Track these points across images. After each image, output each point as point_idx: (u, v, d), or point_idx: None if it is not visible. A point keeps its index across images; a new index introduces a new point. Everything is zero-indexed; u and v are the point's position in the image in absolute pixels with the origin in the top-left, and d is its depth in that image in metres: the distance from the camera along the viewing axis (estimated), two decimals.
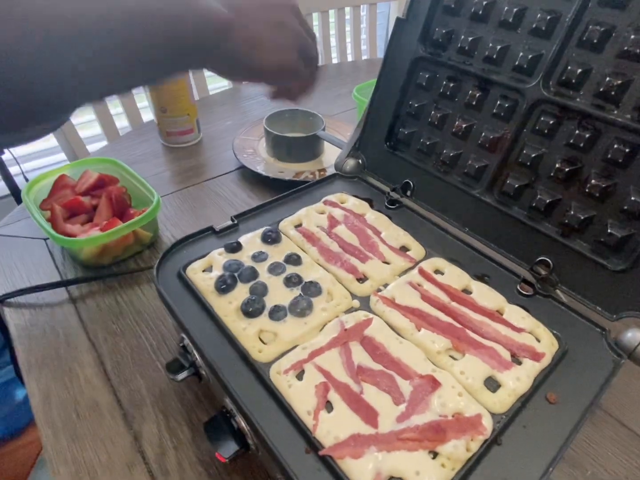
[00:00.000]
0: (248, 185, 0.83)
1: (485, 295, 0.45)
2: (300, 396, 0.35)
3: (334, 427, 0.33)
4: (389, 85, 0.59)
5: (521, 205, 0.49)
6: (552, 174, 0.46)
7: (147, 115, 1.13)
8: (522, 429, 0.35)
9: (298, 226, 0.53)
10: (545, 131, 0.45)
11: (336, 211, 0.55)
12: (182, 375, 0.43)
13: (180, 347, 0.45)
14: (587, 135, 0.43)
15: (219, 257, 0.47)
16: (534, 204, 0.48)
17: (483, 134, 0.51)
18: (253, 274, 0.44)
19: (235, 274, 0.44)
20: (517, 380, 0.37)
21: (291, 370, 0.37)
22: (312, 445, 0.33)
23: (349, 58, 1.65)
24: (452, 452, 0.32)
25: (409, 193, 0.59)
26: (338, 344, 0.39)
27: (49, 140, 1.41)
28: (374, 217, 0.55)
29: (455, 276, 0.47)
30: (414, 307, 0.43)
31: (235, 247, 0.48)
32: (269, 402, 0.36)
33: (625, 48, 0.39)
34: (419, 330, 0.41)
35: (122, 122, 1.30)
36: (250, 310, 0.41)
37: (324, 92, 1.23)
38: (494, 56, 0.48)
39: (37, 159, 1.69)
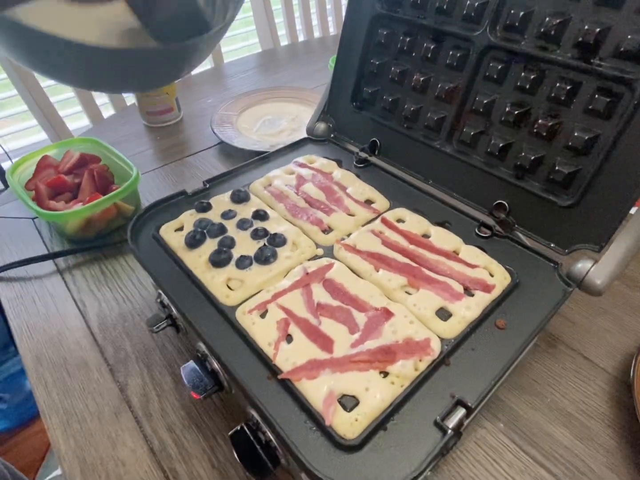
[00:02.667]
0: (228, 159, 0.85)
1: (443, 238, 0.47)
2: (263, 331, 0.38)
3: (292, 355, 0.36)
4: (351, 46, 0.60)
5: (478, 152, 0.51)
6: (503, 119, 0.48)
7: (131, 100, 1.15)
8: (471, 352, 0.38)
9: (268, 187, 0.56)
10: (495, 77, 0.47)
11: (304, 171, 0.57)
12: (160, 327, 0.46)
13: (158, 303, 0.48)
14: (533, 77, 0.44)
15: (190, 217, 0.50)
16: (489, 150, 0.50)
17: (439, 85, 0.52)
18: (221, 229, 0.47)
19: (205, 231, 0.47)
20: (467, 309, 0.40)
21: (255, 310, 0.39)
22: (273, 372, 0.35)
23: (331, 33, 1.65)
24: (401, 370, 0.34)
25: (376, 152, 0.61)
26: (300, 285, 0.41)
27: (31, 120, 1.40)
28: (340, 174, 0.57)
29: (415, 223, 0.49)
30: (374, 252, 0.45)
31: (206, 207, 0.50)
32: (236, 340, 0.39)
33: None
34: (378, 271, 0.43)
35: (109, 111, 1.31)
36: (218, 260, 0.43)
37: (305, 65, 1.24)
38: (445, 7, 0.49)
39: (21, 138, 1.68)
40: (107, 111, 1.30)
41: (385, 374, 0.35)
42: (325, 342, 0.36)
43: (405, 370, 0.34)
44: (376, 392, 0.33)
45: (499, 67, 0.46)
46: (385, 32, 0.56)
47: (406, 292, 0.42)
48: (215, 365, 0.39)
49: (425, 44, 0.52)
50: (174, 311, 0.45)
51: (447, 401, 0.34)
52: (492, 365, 0.37)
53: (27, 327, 0.56)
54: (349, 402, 0.33)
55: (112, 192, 0.65)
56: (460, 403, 0.34)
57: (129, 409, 0.47)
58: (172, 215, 0.52)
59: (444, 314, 0.40)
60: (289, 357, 0.35)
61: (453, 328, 0.38)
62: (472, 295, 0.41)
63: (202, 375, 0.41)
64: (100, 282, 0.61)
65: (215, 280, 0.42)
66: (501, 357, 0.37)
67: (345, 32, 0.60)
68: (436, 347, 0.36)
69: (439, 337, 0.38)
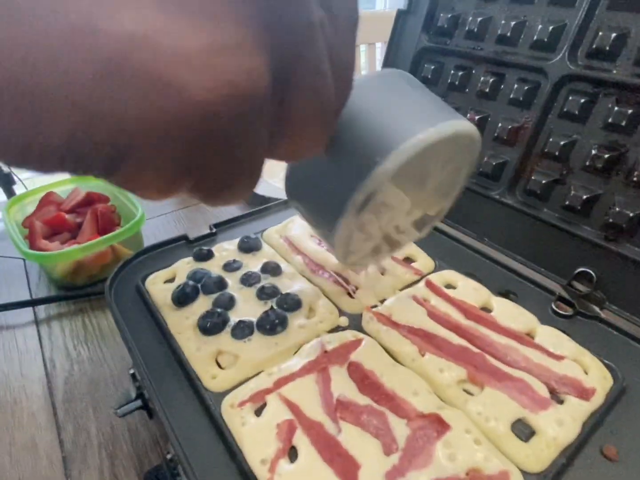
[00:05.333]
0: (249, 207, 0.77)
1: (510, 313, 0.35)
2: (256, 438, 0.26)
3: None
4: None
5: (551, 205, 0.41)
6: (587, 164, 0.37)
7: None
8: None
9: (285, 235, 0.46)
10: (576, 113, 0.37)
11: None
12: (125, 410, 0.34)
13: (130, 375, 0.37)
14: (630, 112, 0.34)
15: (185, 266, 0.40)
16: (567, 203, 0.39)
17: (500, 125, 0.43)
18: (219, 284, 0.37)
19: (199, 285, 0.37)
20: (559, 425, 0.27)
21: (249, 402, 0.28)
22: None
23: None
24: None
25: None
26: (315, 369, 0.30)
27: None
28: None
29: (470, 290, 0.38)
30: (417, 327, 0.34)
31: (206, 255, 0.41)
32: (217, 447, 0.27)
33: None
34: (423, 356, 0.31)
35: None
36: (208, 325, 0.33)
37: None
38: (508, 34, 0.41)
39: None
40: None
41: None
42: (346, 467, 0.24)
43: None
44: None
45: (582, 100, 0.37)
46: (432, 67, 0.48)
47: (465, 390, 0.29)
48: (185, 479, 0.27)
49: (482, 78, 0.44)
50: (145, 389, 0.34)
51: None
52: None
53: None
54: None
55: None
56: None
57: None
58: (167, 263, 0.43)
59: (522, 429, 0.27)
60: None
61: (540, 455, 0.25)
62: (562, 402, 0.29)
63: None
64: (79, 339, 0.51)
65: (201, 354, 0.31)
66: None
67: (386, 67, 0.53)
68: None
69: (519, 469, 0.25)
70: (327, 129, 0.17)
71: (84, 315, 0.54)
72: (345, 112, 0.19)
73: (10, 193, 1.04)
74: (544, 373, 0.30)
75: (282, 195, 0.72)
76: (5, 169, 1.20)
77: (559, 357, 0.31)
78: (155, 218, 0.74)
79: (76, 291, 0.57)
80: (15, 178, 1.26)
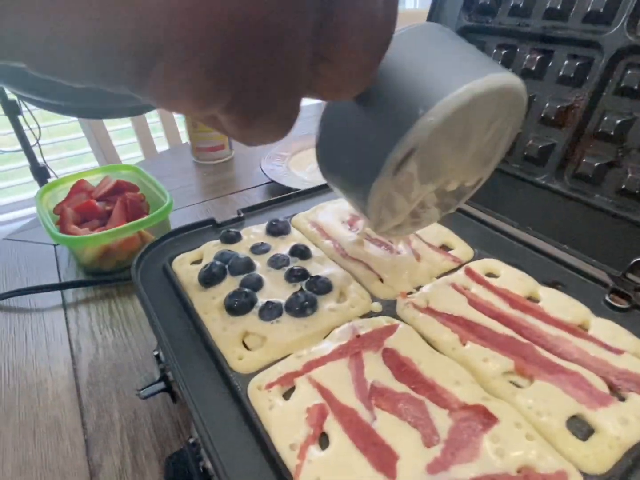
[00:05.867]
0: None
1: (561, 304, 0.32)
2: (284, 422, 0.24)
3: (326, 472, 0.21)
4: None
5: (604, 190, 0.37)
6: None
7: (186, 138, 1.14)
8: None
9: (314, 220, 0.44)
10: (635, 88, 0.34)
11: None
12: (149, 391, 0.33)
13: (154, 357, 0.36)
14: None
15: (212, 248, 0.39)
16: (623, 187, 0.36)
17: (547, 104, 0.40)
18: (247, 265, 0.35)
19: (226, 265, 0.36)
20: (623, 424, 0.24)
21: (277, 385, 0.26)
22: None
23: None
24: None
25: None
26: (347, 353, 0.28)
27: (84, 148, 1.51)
28: None
29: (514, 279, 0.35)
30: (457, 315, 0.31)
31: (233, 237, 0.40)
32: (243, 431, 0.25)
33: None
34: (464, 345, 0.29)
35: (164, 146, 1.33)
36: (235, 305, 0.31)
37: None
38: (558, 7, 0.38)
39: (73, 165, 1.78)
40: (161, 145, 1.33)
41: None
42: (382, 457, 0.22)
43: None
44: None
45: None
46: None
47: (512, 382, 0.27)
48: (209, 465, 0.26)
49: (528, 56, 0.41)
50: (170, 372, 0.33)
51: None
52: None
53: (8, 369, 0.46)
54: None
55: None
56: None
57: None
58: (194, 246, 0.42)
59: (579, 427, 0.24)
60: (322, 476, 0.21)
61: (601, 456, 0.23)
62: (624, 399, 0.26)
63: (193, 477, 0.28)
64: (105, 323, 0.51)
65: (227, 334, 0.30)
66: None
67: None
68: None
69: (577, 469, 0.22)
70: (375, 58, 0.15)
71: (110, 300, 0.54)
72: (386, 62, 0.17)
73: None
74: (601, 367, 0.27)
75: (307, 187, 0.70)
76: (41, 161, 1.23)
77: (617, 351, 0.28)
78: (183, 208, 0.74)
79: (103, 277, 0.57)
80: (50, 172, 1.30)
